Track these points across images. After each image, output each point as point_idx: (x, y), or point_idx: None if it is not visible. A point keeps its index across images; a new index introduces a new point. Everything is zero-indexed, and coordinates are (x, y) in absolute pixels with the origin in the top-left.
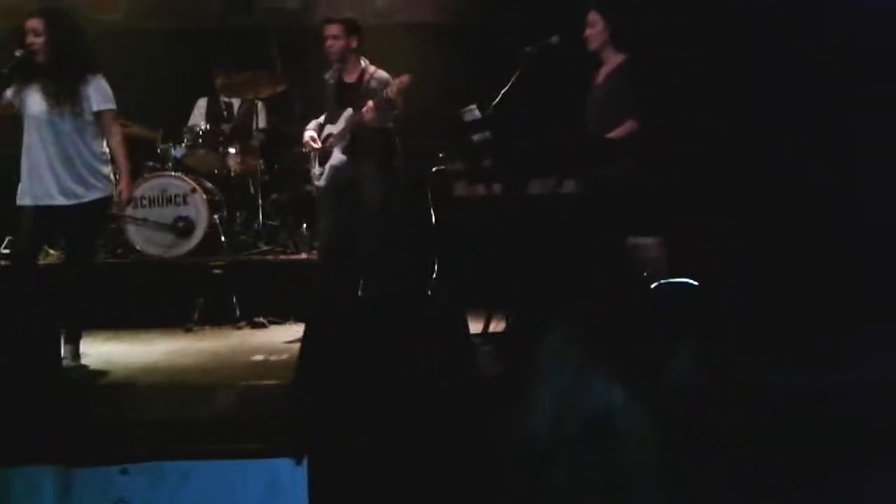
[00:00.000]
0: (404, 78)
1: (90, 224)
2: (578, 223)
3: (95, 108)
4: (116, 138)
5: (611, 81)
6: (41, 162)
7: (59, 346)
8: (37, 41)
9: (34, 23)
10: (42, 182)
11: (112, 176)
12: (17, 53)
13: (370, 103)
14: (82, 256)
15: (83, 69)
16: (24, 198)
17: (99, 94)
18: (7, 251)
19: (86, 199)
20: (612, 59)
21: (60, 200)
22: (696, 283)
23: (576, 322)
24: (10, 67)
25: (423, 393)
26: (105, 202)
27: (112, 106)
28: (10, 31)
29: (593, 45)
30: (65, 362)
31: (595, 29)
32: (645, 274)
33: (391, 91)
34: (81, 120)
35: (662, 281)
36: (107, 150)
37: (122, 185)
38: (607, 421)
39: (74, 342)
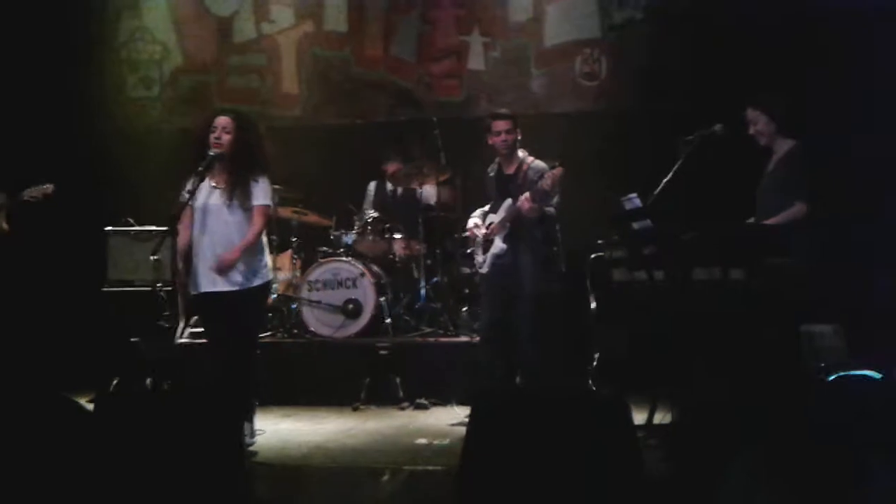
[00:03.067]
0: (557, 171)
1: (252, 310)
2: (746, 311)
3: (255, 202)
4: (256, 229)
5: (780, 167)
6: (206, 251)
7: (242, 432)
8: (225, 137)
9: (224, 121)
10: (204, 271)
11: (270, 265)
12: (212, 153)
13: (526, 195)
14: (246, 341)
15: (257, 167)
16: (194, 286)
17: (262, 191)
18: (198, 329)
19: (247, 287)
20: (782, 146)
21: (223, 287)
22: (880, 375)
23: (759, 451)
24: (205, 166)
25: (588, 488)
26: (265, 289)
27: (269, 203)
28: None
29: (763, 142)
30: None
31: (758, 126)
32: (822, 365)
33: (546, 183)
34: (247, 212)
35: (842, 373)
36: (264, 240)
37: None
38: None
39: (249, 420)
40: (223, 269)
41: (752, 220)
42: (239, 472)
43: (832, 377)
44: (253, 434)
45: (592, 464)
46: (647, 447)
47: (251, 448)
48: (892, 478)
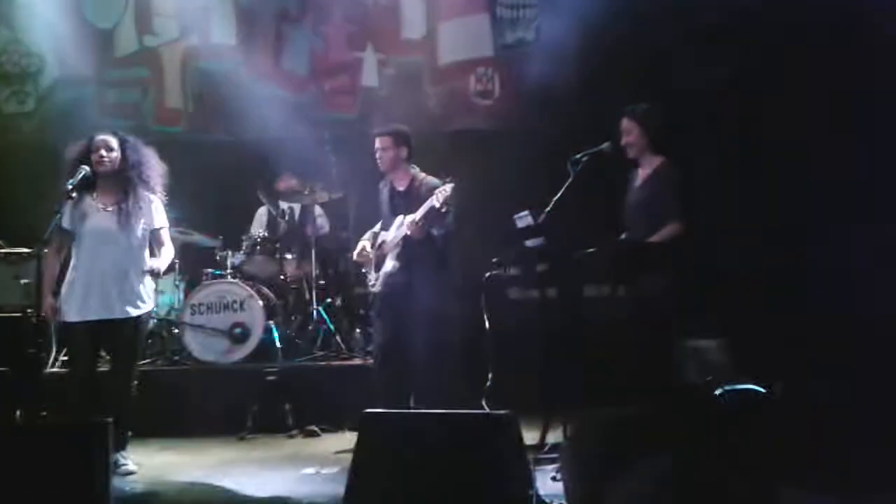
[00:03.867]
0: (447, 188)
1: (137, 338)
2: (632, 328)
3: (157, 225)
4: (171, 252)
5: (649, 184)
6: (96, 277)
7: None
8: (109, 156)
9: (107, 139)
10: (95, 297)
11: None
12: (82, 172)
13: (411, 218)
14: (127, 368)
15: (148, 186)
16: (70, 314)
17: (159, 213)
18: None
19: (134, 314)
20: (650, 163)
21: (110, 315)
22: (763, 388)
23: (651, 462)
24: (75, 185)
25: None
26: (148, 316)
27: (167, 224)
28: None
29: (632, 153)
30: (121, 468)
31: (631, 136)
32: (708, 379)
33: (436, 200)
34: (143, 236)
35: (727, 387)
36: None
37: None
38: None
39: (123, 446)
40: None
41: (623, 236)
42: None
43: (719, 391)
44: (119, 466)
45: (482, 483)
46: (539, 465)
47: (123, 480)
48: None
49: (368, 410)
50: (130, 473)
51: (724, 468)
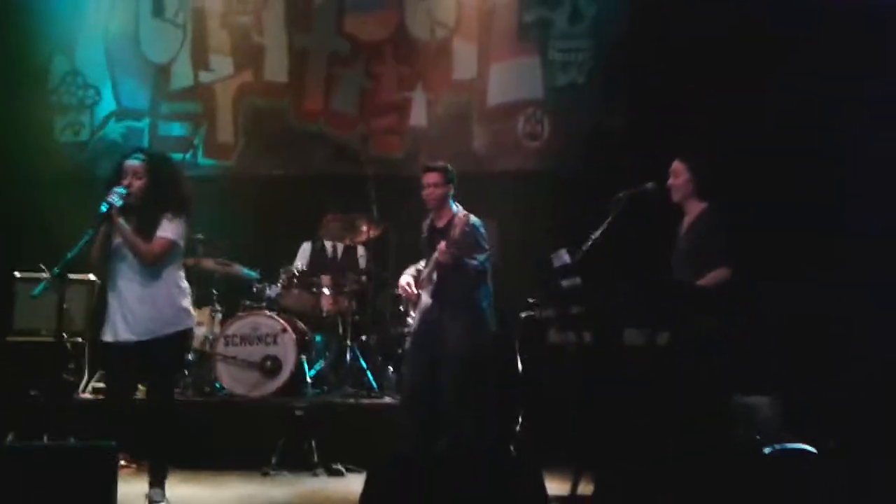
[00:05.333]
0: (463, 216)
1: (171, 359)
2: (675, 379)
3: (158, 232)
4: (152, 249)
5: (695, 231)
6: (122, 298)
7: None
8: (136, 184)
9: (135, 166)
10: (123, 318)
11: (192, 309)
12: (112, 199)
13: (441, 245)
14: (161, 393)
15: (170, 207)
16: (106, 334)
17: (171, 227)
18: (100, 385)
19: (163, 334)
20: (694, 209)
21: (136, 337)
22: (816, 450)
23: None
24: (98, 221)
25: None
26: (186, 335)
27: (176, 239)
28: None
29: (677, 196)
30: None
31: (679, 179)
32: (757, 437)
33: (455, 231)
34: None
35: (777, 446)
36: (186, 284)
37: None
38: None
39: (160, 483)
40: None
41: None
42: None
43: (768, 450)
44: (161, 498)
45: None
46: None
47: None
48: None
49: (374, 465)
50: None
51: None
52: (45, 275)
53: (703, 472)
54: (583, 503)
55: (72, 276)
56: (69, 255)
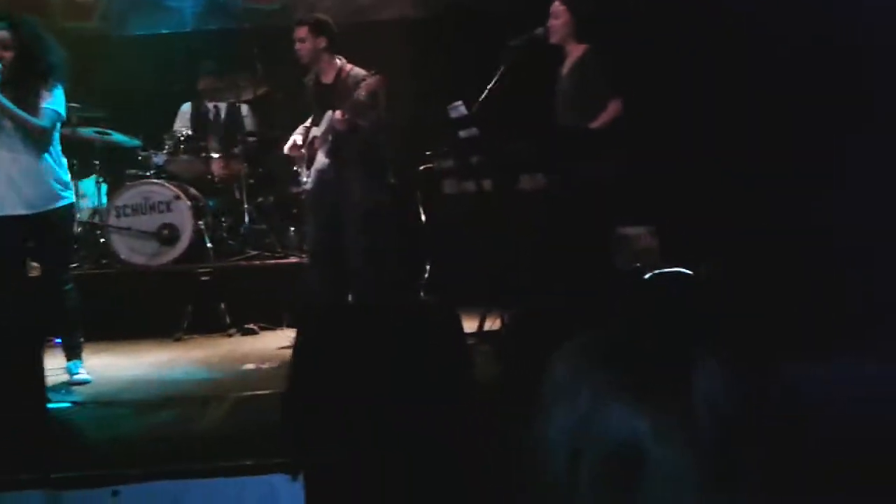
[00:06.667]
0: (373, 79)
1: (63, 232)
2: (566, 217)
3: (43, 103)
4: (40, 124)
5: (575, 74)
6: (6, 173)
7: (41, 360)
8: (6, 55)
9: (2, 35)
10: (9, 193)
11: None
12: None
13: (338, 113)
14: (59, 267)
15: (46, 80)
16: None
17: (55, 98)
18: None
19: (51, 207)
20: (575, 51)
21: (21, 210)
22: (689, 272)
23: (586, 338)
24: None
25: (420, 400)
26: (72, 207)
27: (57, 109)
28: None
29: (555, 38)
30: (75, 377)
31: (559, 21)
32: (637, 265)
33: (361, 93)
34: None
35: (655, 271)
36: (64, 159)
37: None
38: (633, 454)
39: (77, 355)
40: None
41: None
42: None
43: (648, 275)
44: (72, 376)
45: (423, 371)
46: (478, 352)
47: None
48: (719, 375)
49: (306, 305)
50: (84, 383)
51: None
52: None
53: (592, 300)
54: (490, 338)
55: None
56: None
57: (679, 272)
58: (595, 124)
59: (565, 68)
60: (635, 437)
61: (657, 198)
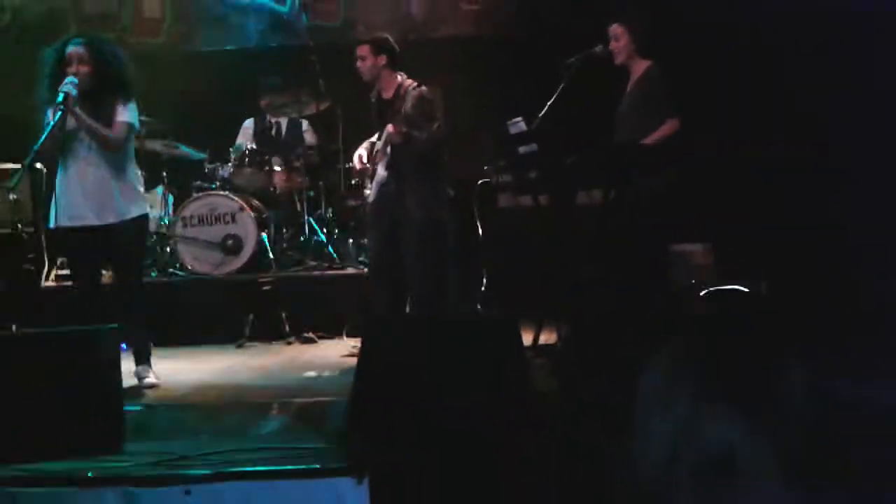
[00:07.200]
0: (416, 92)
1: (135, 242)
2: (621, 232)
3: (117, 118)
4: (115, 132)
5: (638, 89)
6: (82, 184)
7: (118, 364)
8: (83, 70)
9: (79, 52)
10: (78, 203)
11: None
12: (67, 89)
13: (391, 126)
14: (130, 276)
15: (120, 94)
16: (64, 219)
17: (129, 111)
18: (65, 272)
19: (126, 218)
20: (638, 68)
21: (96, 221)
22: (746, 289)
23: (678, 353)
24: (64, 105)
25: (480, 408)
26: (146, 218)
27: (133, 122)
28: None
29: (620, 59)
30: (144, 381)
31: (620, 43)
32: (693, 282)
33: (408, 105)
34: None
35: (711, 289)
36: (138, 171)
37: None
38: (727, 459)
39: (145, 360)
40: None
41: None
42: (117, 411)
43: (703, 293)
44: (142, 380)
45: (483, 382)
46: (534, 366)
47: (151, 388)
48: (803, 384)
49: (373, 315)
50: (153, 387)
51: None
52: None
53: (648, 316)
54: (546, 351)
55: (11, 165)
56: (36, 147)
57: (736, 290)
58: (651, 140)
59: (630, 85)
60: (730, 442)
61: (715, 215)
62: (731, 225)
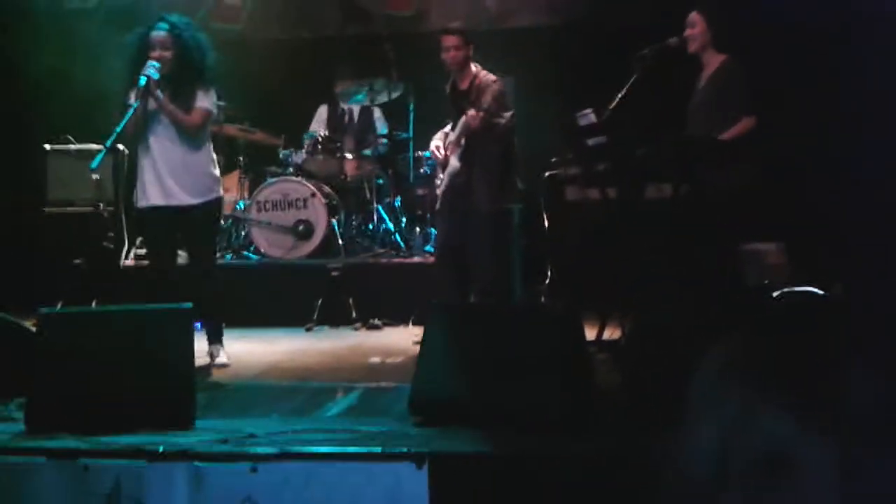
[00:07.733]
0: (495, 84)
1: (211, 224)
2: (693, 228)
3: (196, 103)
4: (193, 120)
5: (713, 84)
6: (162, 166)
7: (191, 343)
8: (165, 55)
9: (163, 37)
10: (156, 184)
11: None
12: (149, 73)
13: (471, 112)
14: (204, 257)
15: (200, 81)
16: (142, 200)
17: (206, 98)
18: (143, 251)
19: (202, 200)
20: (713, 61)
21: (173, 202)
22: (822, 292)
23: (731, 349)
24: (146, 89)
25: (539, 400)
26: (220, 202)
27: (211, 109)
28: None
29: (693, 47)
30: (216, 360)
31: (696, 30)
32: (766, 282)
33: (485, 100)
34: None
35: (785, 290)
36: (214, 155)
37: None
38: (781, 457)
39: (218, 340)
40: None
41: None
42: (188, 388)
43: (776, 293)
44: (215, 359)
45: (542, 374)
46: (597, 360)
47: (223, 367)
48: (867, 384)
49: (435, 302)
50: (224, 366)
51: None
52: (74, 146)
53: (718, 315)
54: (609, 347)
55: (93, 146)
56: (118, 129)
57: (810, 291)
58: (726, 136)
59: (703, 78)
60: (784, 442)
61: (791, 215)
62: (806, 226)
